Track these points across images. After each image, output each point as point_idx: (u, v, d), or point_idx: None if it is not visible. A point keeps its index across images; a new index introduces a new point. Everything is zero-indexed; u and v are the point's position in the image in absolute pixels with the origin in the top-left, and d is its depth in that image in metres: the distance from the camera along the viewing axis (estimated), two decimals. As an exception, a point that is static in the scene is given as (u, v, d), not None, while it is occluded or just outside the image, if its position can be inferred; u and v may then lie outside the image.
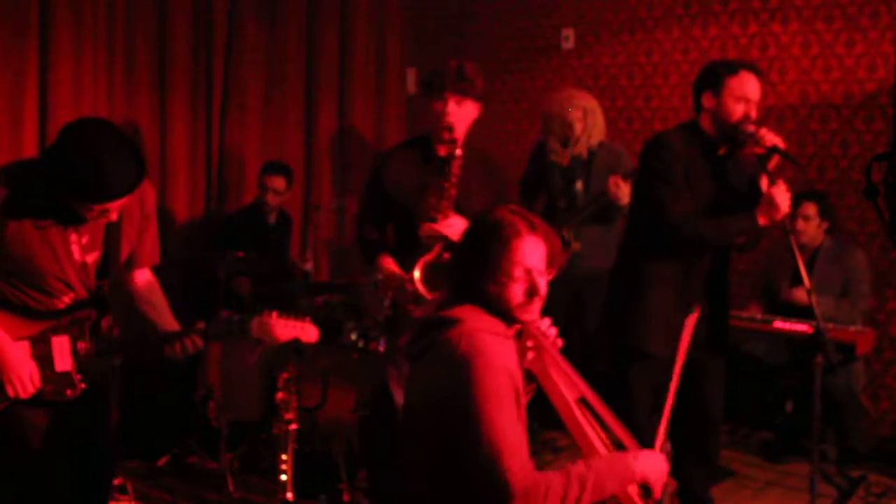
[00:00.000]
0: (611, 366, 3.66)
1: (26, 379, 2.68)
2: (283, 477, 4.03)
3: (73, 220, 2.71)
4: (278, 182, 5.27)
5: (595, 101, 4.84)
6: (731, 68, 3.43)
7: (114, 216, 2.70)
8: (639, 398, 3.51)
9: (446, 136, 3.51)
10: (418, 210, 3.56)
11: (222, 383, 4.42)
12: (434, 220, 3.50)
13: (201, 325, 2.88)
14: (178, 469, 4.44)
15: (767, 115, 5.30)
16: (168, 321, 2.99)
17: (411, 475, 2.31)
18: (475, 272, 2.26)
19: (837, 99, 5.18)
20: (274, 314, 2.93)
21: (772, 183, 3.30)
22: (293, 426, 4.03)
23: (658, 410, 2.49)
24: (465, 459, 2.11)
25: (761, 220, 3.32)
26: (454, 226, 3.50)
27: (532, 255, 2.27)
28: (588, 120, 4.73)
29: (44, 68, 4.68)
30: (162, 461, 4.46)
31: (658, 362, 3.49)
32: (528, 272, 2.26)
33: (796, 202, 4.64)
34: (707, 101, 3.43)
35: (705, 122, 3.47)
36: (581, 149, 4.75)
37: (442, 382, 2.18)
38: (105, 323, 2.87)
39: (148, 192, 2.93)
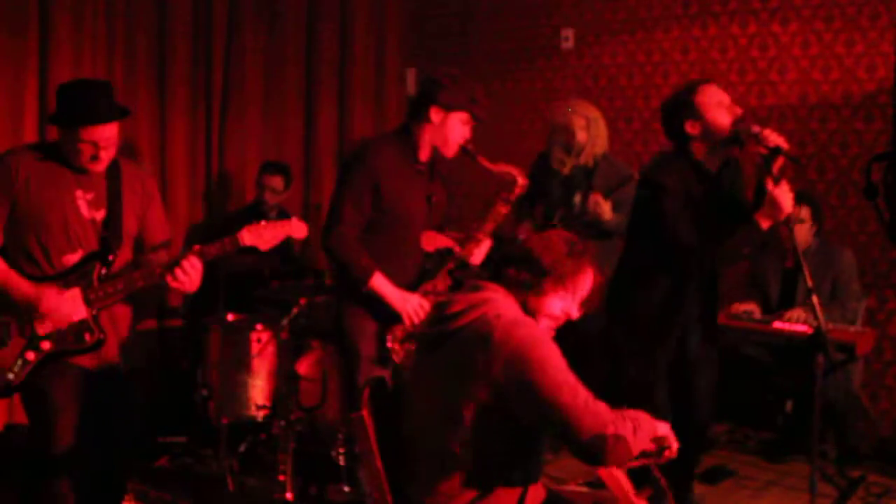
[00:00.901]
0: (615, 367, 3.70)
1: (65, 310, 2.89)
2: (283, 477, 4.04)
3: (73, 177, 2.95)
4: (276, 181, 5.28)
5: (598, 111, 4.82)
6: (691, 90, 3.46)
7: (103, 156, 2.92)
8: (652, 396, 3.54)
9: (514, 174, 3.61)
10: (414, 218, 3.55)
11: (222, 383, 4.42)
12: (471, 237, 3.50)
13: (197, 247, 2.99)
14: (178, 469, 4.44)
15: (768, 116, 5.30)
16: None
17: (427, 468, 2.34)
18: (534, 274, 2.35)
19: (837, 99, 5.18)
20: (262, 222, 3.07)
21: (776, 183, 3.30)
22: (293, 426, 4.04)
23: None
24: (544, 416, 2.19)
25: (764, 223, 3.31)
26: (483, 252, 3.53)
27: (587, 286, 2.42)
28: (591, 129, 4.72)
29: (43, 69, 4.69)
30: (162, 461, 4.46)
31: (653, 359, 3.54)
32: (574, 296, 2.40)
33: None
34: (692, 128, 3.43)
35: (696, 150, 3.46)
36: (586, 158, 4.74)
37: (484, 362, 2.21)
38: (113, 269, 3.01)
39: (147, 177, 3.22)
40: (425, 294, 3.51)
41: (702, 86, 3.47)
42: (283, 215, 5.48)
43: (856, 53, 5.11)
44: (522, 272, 2.36)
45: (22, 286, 2.89)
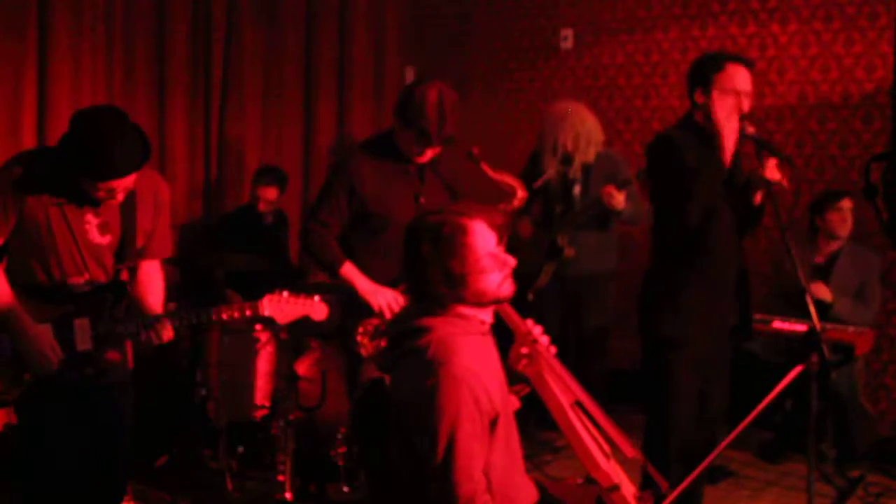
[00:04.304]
0: (649, 361, 3.61)
1: (49, 353, 2.79)
2: (283, 477, 4.04)
3: (84, 200, 2.83)
4: (270, 192, 5.27)
5: (590, 120, 4.76)
6: (718, 65, 3.40)
7: (119, 196, 2.82)
8: (683, 388, 3.48)
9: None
10: (401, 218, 3.53)
11: (222, 383, 4.42)
12: None
13: (172, 307, 2.95)
14: (178, 469, 4.44)
15: (766, 116, 5.31)
16: (156, 310, 3.05)
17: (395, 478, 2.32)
18: (445, 286, 2.25)
19: (836, 99, 5.19)
20: (285, 293, 3.00)
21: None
22: (293, 426, 4.05)
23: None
24: (425, 465, 2.15)
25: (756, 198, 3.37)
26: None
27: (485, 238, 2.29)
28: (580, 142, 4.70)
29: (43, 68, 4.68)
30: (162, 461, 4.47)
31: (696, 349, 3.46)
32: (491, 255, 2.28)
33: (837, 198, 4.73)
34: (698, 97, 3.43)
35: (699, 117, 3.45)
36: (574, 171, 4.75)
37: (411, 391, 2.19)
38: (122, 307, 2.95)
39: (161, 185, 3.06)
40: (405, 292, 3.51)
41: (731, 64, 3.38)
42: (282, 218, 5.49)
43: (855, 53, 5.12)
44: (437, 292, 2.26)
45: (21, 321, 2.78)
